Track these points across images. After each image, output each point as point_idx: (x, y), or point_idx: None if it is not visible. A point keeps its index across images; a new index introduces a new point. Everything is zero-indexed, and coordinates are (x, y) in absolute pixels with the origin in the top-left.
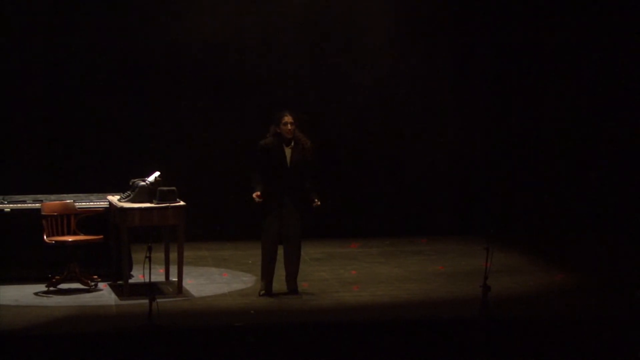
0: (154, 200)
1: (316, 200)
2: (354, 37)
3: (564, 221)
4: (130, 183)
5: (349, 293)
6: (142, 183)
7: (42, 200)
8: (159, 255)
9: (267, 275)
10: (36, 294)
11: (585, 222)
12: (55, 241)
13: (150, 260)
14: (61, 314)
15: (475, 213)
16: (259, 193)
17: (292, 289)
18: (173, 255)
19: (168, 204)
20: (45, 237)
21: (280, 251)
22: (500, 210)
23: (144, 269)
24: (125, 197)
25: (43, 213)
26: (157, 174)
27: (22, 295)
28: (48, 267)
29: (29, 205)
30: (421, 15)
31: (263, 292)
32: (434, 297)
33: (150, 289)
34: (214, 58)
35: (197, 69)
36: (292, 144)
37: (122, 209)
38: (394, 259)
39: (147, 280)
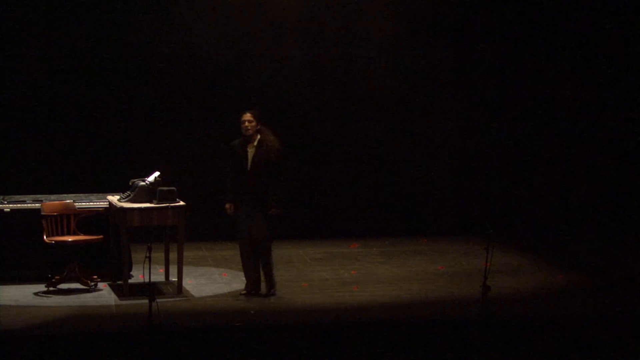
0: (153, 200)
1: (274, 208)
2: (352, 38)
3: (563, 221)
4: (130, 183)
5: (349, 293)
6: (142, 183)
7: (42, 200)
8: (159, 255)
9: (245, 274)
10: (36, 294)
11: (585, 222)
12: (55, 241)
13: (150, 260)
14: (61, 314)
15: (475, 213)
16: (228, 205)
17: (264, 294)
18: (173, 255)
19: (168, 204)
20: (45, 237)
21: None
22: (500, 210)
23: (144, 269)
24: (125, 197)
25: (43, 213)
26: (157, 174)
27: (22, 295)
28: (48, 267)
29: (29, 205)
30: (421, 15)
31: (244, 292)
32: (434, 297)
33: (150, 289)
34: (214, 59)
35: (197, 70)
36: (256, 144)
37: (122, 209)
38: (394, 259)
39: (147, 280)
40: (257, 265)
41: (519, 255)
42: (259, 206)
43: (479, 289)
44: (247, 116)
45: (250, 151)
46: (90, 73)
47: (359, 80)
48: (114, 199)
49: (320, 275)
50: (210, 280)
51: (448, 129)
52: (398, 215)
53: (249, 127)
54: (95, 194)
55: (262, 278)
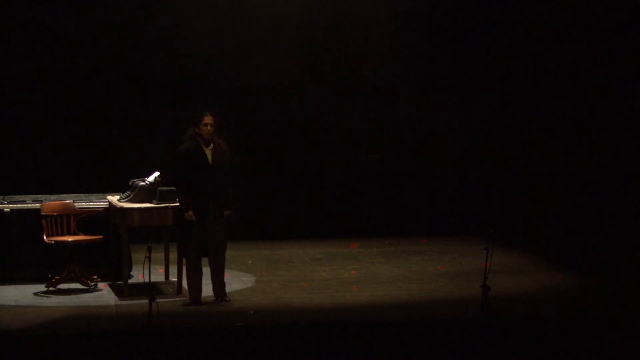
0: (153, 201)
1: (228, 211)
2: (350, 40)
3: (564, 221)
4: (130, 183)
5: (349, 293)
6: (142, 183)
7: (42, 200)
8: (158, 255)
9: (196, 284)
10: (36, 294)
11: (586, 221)
12: (55, 241)
13: (150, 260)
14: (61, 314)
15: (475, 213)
16: (191, 212)
17: (221, 298)
18: (173, 255)
19: (168, 204)
20: (45, 237)
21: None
22: (500, 210)
23: (143, 269)
24: (125, 197)
25: (43, 213)
26: (157, 174)
27: (22, 295)
28: (48, 267)
29: (29, 205)
30: (419, 16)
31: (197, 302)
32: (434, 297)
33: (150, 289)
34: (213, 60)
35: (197, 71)
36: (212, 145)
37: (122, 209)
38: (394, 259)
39: (147, 280)
40: (201, 278)
41: (519, 255)
42: (219, 208)
43: (479, 289)
44: (210, 119)
45: (209, 154)
46: (90, 73)
47: (359, 80)
48: (114, 199)
49: (320, 275)
50: (210, 280)
51: (448, 129)
52: (398, 215)
53: (211, 130)
54: (95, 194)
55: (213, 284)
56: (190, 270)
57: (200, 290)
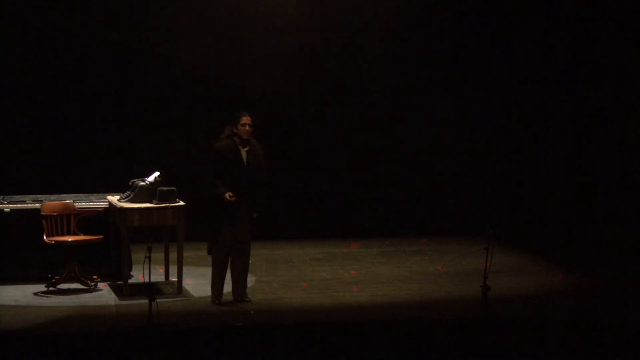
0: (153, 201)
1: (256, 213)
2: (347, 39)
3: (564, 221)
4: (130, 183)
5: (349, 293)
6: (142, 183)
7: (42, 200)
8: (158, 255)
9: (219, 283)
10: (36, 294)
11: (586, 222)
12: (55, 241)
13: (150, 261)
14: (61, 314)
15: (475, 213)
16: (231, 193)
17: (242, 298)
18: (173, 256)
19: (168, 204)
20: (45, 237)
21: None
22: (500, 210)
23: (143, 269)
24: (125, 197)
25: (43, 213)
26: (157, 174)
27: (22, 295)
28: (48, 267)
29: (29, 205)
30: (418, 13)
31: (217, 301)
32: (434, 297)
33: (150, 289)
34: (212, 61)
35: (196, 72)
36: (248, 146)
37: (122, 209)
38: (394, 259)
39: (147, 280)
40: (225, 276)
41: (519, 255)
42: (249, 208)
43: (479, 289)
44: (249, 119)
45: (244, 154)
46: (90, 73)
47: (358, 80)
48: (114, 199)
49: (320, 275)
50: (210, 280)
51: (448, 129)
52: (398, 215)
53: (249, 131)
54: (95, 194)
55: (234, 283)
56: (216, 267)
57: (222, 286)
